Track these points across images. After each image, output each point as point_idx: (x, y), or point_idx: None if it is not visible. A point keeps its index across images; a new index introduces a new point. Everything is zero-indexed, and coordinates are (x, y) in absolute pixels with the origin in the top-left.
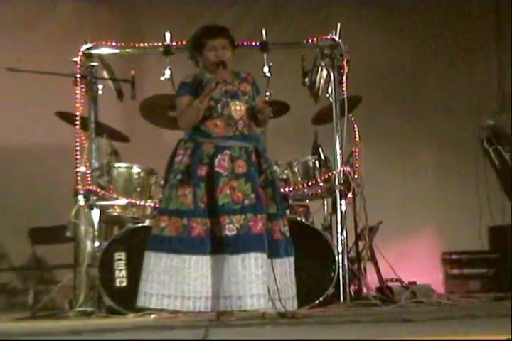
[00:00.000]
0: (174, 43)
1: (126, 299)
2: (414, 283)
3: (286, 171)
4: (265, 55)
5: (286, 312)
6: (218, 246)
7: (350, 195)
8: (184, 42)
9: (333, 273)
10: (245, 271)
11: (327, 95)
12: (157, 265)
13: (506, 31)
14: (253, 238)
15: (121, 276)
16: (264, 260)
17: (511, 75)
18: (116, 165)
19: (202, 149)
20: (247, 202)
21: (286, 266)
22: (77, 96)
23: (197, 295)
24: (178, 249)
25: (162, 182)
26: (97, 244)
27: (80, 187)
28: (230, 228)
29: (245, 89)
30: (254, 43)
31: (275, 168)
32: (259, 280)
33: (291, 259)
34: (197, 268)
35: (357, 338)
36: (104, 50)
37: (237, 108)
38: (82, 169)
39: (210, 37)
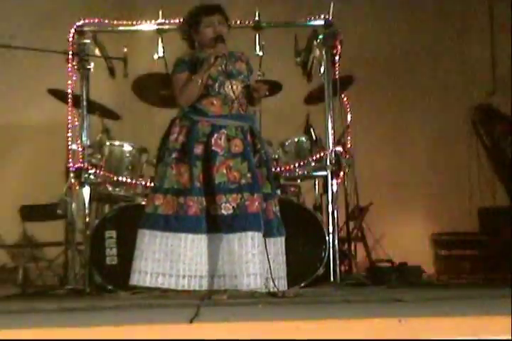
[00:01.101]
0: (167, 21)
1: (117, 277)
2: (405, 263)
3: (278, 151)
4: (258, 35)
5: (277, 291)
6: (213, 225)
7: (341, 175)
8: (177, 21)
9: (323, 253)
10: (242, 250)
11: (319, 75)
12: (152, 243)
13: (500, 11)
14: (249, 217)
15: (111, 254)
16: (260, 239)
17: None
18: (108, 143)
19: (198, 128)
20: (243, 181)
21: (278, 245)
22: (69, 73)
23: (192, 274)
24: (174, 228)
25: (154, 161)
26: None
27: (71, 164)
28: (227, 207)
29: (240, 68)
30: (247, 23)
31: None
32: (255, 260)
33: (283, 239)
34: (193, 246)
35: (348, 317)
36: (97, 28)
37: (234, 87)
38: (74, 147)
39: (206, 13)
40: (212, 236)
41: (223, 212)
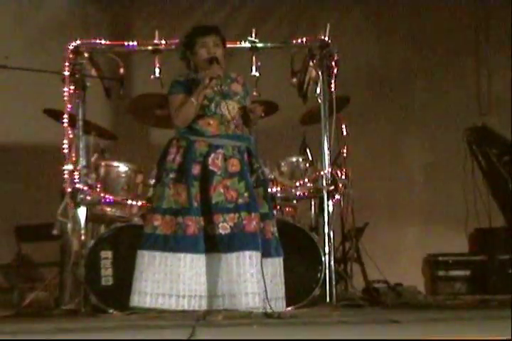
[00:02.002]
0: (163, 42)
1: (112, 298)
2: (400, 284)
3: (273, 171)
4: (254, 55)
5: (273, 312)
6: (211, 244)
7: (337, 196)
8: (173, 41)
9: (319, 274)
10: (240, 270)
11: (315, 95)
12: (151, 264)
13: (495, 32)
14: (247, 236)
15: (107, 275)
16: (258, 258)
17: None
18: (104, 163)
19: (195, 148)
20: (240, 200)
21: (276, 265)
22: (65, 93)
23: (191, 294)
24: (173, 248)
25: (153, 181)
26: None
27: (67, 185)
28: (224, 226)
29: (236, 90)
30: (243, 43)
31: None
32: (253, 279)
33: (281, 260)
34: (192, 266)
35: (344, 339)
36: (93, 48)
37: (230, 107)
38: (70, 167)
39: (201, 34)
40: (210, 255)
41: (221, 231)
